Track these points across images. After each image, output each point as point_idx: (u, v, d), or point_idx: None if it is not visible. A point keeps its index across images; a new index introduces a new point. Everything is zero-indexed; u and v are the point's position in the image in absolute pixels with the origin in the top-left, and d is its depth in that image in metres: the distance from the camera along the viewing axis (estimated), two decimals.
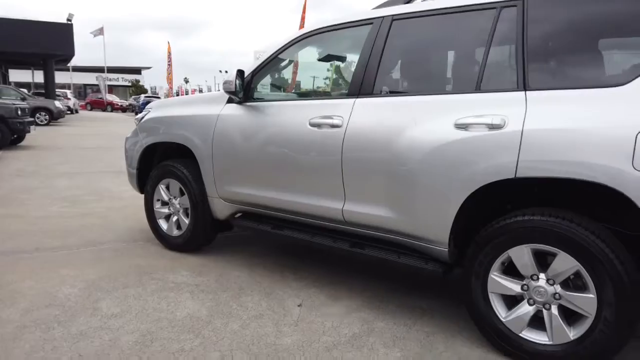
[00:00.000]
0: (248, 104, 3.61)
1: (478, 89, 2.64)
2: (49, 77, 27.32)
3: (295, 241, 3.48)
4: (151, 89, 66.19)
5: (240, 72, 3.49)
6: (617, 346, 2.27)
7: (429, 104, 2.77)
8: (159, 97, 38.07)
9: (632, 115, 2.14)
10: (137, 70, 69.49)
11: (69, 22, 25.23)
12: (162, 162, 4.22)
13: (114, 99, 45.12)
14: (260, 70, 3.63)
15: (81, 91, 57.86)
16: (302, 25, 13.27)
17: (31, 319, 2.80)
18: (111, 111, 42.34)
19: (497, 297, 2.58)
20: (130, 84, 66.32)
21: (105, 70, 48.41)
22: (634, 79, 2.19)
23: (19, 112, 11.33)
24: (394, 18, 3.06)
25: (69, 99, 33.09)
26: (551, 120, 2.33)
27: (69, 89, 43.94)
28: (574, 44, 2.48)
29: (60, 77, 45.66)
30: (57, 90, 32.76)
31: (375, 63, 3.04)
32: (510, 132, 2.41)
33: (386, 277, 3.66)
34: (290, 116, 3.33)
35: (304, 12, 13.59)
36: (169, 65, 35.34)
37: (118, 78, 64.79)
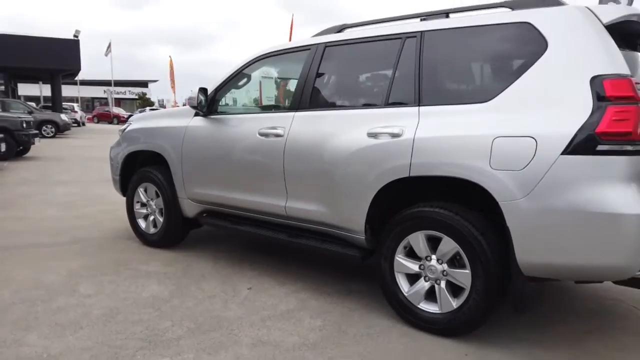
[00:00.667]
0: (212, 116, 4.17)
1: (386, 104, 3.19)
2: (55, 91, 28.22)
3: (253, 236, 4.02)
4: (158, 101, 67.34)
5: (202, 90, 4.07)
6: (486, 310, 2.79)
7: (349, 117, 3.33)
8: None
9: (490, 125, 2.68)
10: (144, 84, 70.60)
11: (76, 39, 26.15)
12: (142, 168, 4.79)
13: (120, 111, 46.04)
14: (222, 87, 4.20)
15: (89, 104, 58.90)
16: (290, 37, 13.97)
17: (19, 297, 3.36)
18: (117, 124, 43.17)
19: (401, 276, 3.11)
20: (137, 97, 67.38)
21: (113, 84, 49.43)
22: (493, 98, 2.74)
23: (24, 125, 12.01)
24: (327, 45, 3.63)
25: (76, 111, 34.02)
26: (435, 129, 2.88)
27: (77, 102, 45.04)
28: (454, 68, 3.05)
29: (69, 90, 46.83)
30: (64, 103, 33.70)
31: (311, 82, 3.61)
32: (405, 140, 2.96)
33: (331, 265, 4.19)
34: (244, 127, 3.89)
35: (291, 29, 14.29)
36: (171, 79, 36.24)
37: (125, 91, 65.90)
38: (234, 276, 3.94)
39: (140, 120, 4.95)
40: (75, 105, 35.26)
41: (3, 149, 10.82)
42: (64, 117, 22.95)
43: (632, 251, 2.40)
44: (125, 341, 2.77)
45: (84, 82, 53.09)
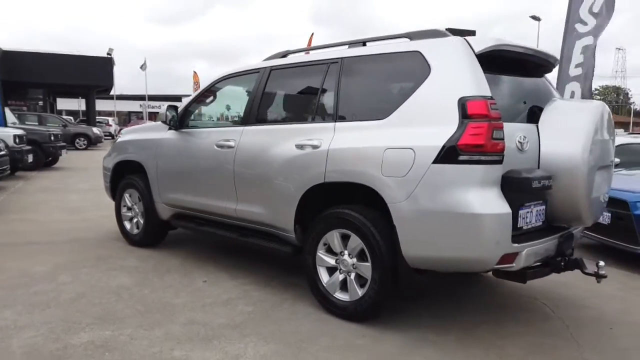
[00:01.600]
0: (182, 130, 4.75)
1: (313, 120, 3.69)
2: (90, 106, 29.82)
3: (213, 236, 4.54)
4: None
5: (171, 107, 4.65)
6: (383, 298, 3.21)
7: (284, 130, 3.83)
8: None
9: (384, 138, 3.14)
10: (177, 98, 72.86)
11: (109, 56, 27.66)
12: (128, 176, 5.40)
13: None
14: (191, 104, 4.78)
15: (126, 118, 61.14)
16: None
17: (5, 283, 3.98)
18: None
19: (322, 269, 3.56)
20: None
21: (147, 98, 51.43)
22: (389, 115, 3.19)
23: (52, 138, 12.99)
24: (272, 68, 4.15)
25: (110, 125, 35.65)
26: (344, 142, 3.36)
27: (114, 116, 47.08)
28: (362, 90, 3.53)
29: (107, 104, 49.06)
30: (101, 117, 35.44)
31: (258, 100, 4.14)
32: (322, 151, 3.44)
33: (282, 262, 4.66)
34: (206, 140, 4.45)
35: (309, 45, 14.87)
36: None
37: (160, 105, 68.17)
38: (195, 271, 4.47)
39: (128, 133, 5.59)
40: (110, 119, 36.90)
41: (31, 160, 11.76)
42: (95, 130, 24.28)
43: (489, 245, 2.81)
44: (80, 318, 3.32)
45: (121, 97, 55.34)
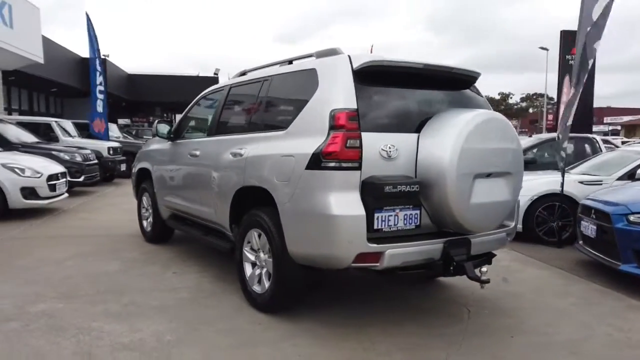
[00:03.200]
0: (177, 141, 5.49)
1: (245, 131, 4.17)
2: None
3: (187, 234, 5.18)
4: None
5: (161, 121, 5.41)
6: (281, 292, 3.57)
7: (228, 140, 4.35)
8: None
9: (281, 147, 3.52)
10: None
11: (216, 76, 30.30)
12: (144, 180, 6.28)
13: None
14: (183, 119, 5.51)
15: None
16: None
17: (19, 265, 4.98)
18: None
19: (247, 264, 4.00)
20: None
21: None
22: (287, 127, 3.57)
23: (111, 152, 13.39)
24: (231, 86, 4.71)
25: None
26: (256, 151, 3.79)
27: None
28: (275, 104, 3.92)
29: None
30: None
31: (218, 114, 4.73)
32: (243, 158, 3.92)
33: None
34: (184, 149, 5.13)
35: None
36: None
37: None
38: (175, 264, 5.13)
39: (148, 144, 6.51)
40: None
41: (124, 169, 13.52)
42: None
43: (342, 244, 3.06)
44: (51, 293, 4.13)
45: None
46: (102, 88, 12.09)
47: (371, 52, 15.93)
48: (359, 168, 3.11)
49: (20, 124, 12.15)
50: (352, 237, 3.06)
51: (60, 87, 20.96)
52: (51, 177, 8.04)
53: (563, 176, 6.40)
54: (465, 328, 3.58)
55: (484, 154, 3.30)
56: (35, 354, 3.01)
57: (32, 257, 5.34)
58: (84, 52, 18.74)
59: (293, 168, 3.33)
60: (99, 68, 12.11)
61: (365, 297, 4.26)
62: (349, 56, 3.40)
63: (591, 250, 5.10)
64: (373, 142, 3.18)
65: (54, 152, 10.24)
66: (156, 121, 5.39)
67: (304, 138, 3.36)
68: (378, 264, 3.14)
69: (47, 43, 17.35)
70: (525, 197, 6.56)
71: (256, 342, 3.29)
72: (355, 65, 3.33)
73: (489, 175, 3.38)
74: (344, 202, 3.09)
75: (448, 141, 3.19)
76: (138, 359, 2.99)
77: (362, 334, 3.41)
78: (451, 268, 3.38)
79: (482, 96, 4.01)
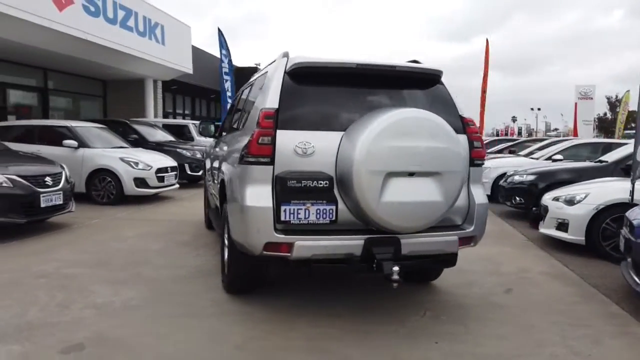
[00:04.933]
0: (219, 138, 6.19)
1: (234, 130, 4.62)
2: None
3: None
4: None
5: (203, 121, 6.14)
6: (233, 274, 3.95)
7: (225, 138, 4.85)
8: None
9: (237, 143, 3.87)
10: None
11: None
12: None
13: None
14: (226, 117, 6.18)
15: None
16: (486, 62, 13.96)
17: (92, 239, 6.14)
18: None
19: (225, 249, 4.45)
20: None
21: None
22: (243, 127, 3.94)
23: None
24: (243, 88, 5.21)
25: None
26: (229, 147, 4.24)
27: None
28: (249, 106, 4.25)
29: None
30: None
31: (232, 113, 5.27)
32: (223, 153, 4.38)
33: None
34: (218, 145, 5.77)
35: (486, 54, 14.18)
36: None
37: None
38: (207, 248, 5.81)
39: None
40: None
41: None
42: None
43: (252, 233, 3.34)
44: (92, 261, 5.09)
45: None
46: (230, 94, 13.63)
47: (486, 49, 14.99)
48: (271, 163, 3.34)
49: (166, 126, 14.32)
50: (260, 227, 3.31)
51: (217, 93, 23.85)
52: (160, 170, 9.47)
53: (633, 185, 5.54)
54: (397, 330, 3.53)
55: (400, 152, 3.24)
56: (29, 302, 3.87)
57: (109, 234, 6.52)
58: (244, 63, 21.06)
59: (234, 162, 3.70)
60: (225, 77, 13.68)
61: (329, 291, 4.38)
62: (286, 59, 3.63)
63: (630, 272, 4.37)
64: (289, 140, 3.37)
65: (178, 150, 11.93)
66: (199, 122, 6.15)
67: (246, 136, 3.69)
68: (289, 254, 3.33)
69: (209, 57, 19.94)
70: (589, 206, 5.84)
71: (199, 314, 3.72)
72: (288, 67, 3.55)
73: (411, 174, 3.30)
74: (256, 194, 3.35)
75: (359, 139, 3.23)
76: (95, 315, 3.66)
77: (300, 323, 3.61)
78: (374, 265, 3.38)
79: (449, 95, 3.85)
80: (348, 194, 3.31)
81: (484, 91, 14.19)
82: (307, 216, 3.34)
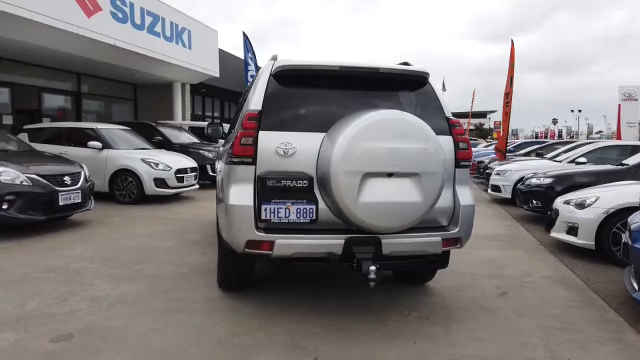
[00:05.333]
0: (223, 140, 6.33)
1: (232, 129, 4.75)
2: None
3: None
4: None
5: (211, 124, 6.28)
6: (223, 270, 4.07)
7: (225, 143, 4.99)
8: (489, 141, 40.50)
9: (228, 144, 4.02)
10: (482, 114, 73.06)
11: None
12: None
13: None
14: (231, 123, 6.33)
15: None
16: (511, 64, 13.61)
17: (104, 236, 6.39)
18: None
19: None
20: (474, 128, 70.22)
21: (470, 116, 54.35)
22: (236, 128, 4.05)
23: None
24: (246, 89, 5.33)
25: None
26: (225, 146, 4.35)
27: None
28: (243, 107, 4.36)
29: None
30: None
31: (236, 114, 5.40)
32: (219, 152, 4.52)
33: None
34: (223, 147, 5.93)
35: (512, 55, 13.80)
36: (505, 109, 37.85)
37: (464, 122, 69.91)
38: (212, 247, 5.97)
39: None
40: None
41: None
42: None
43: (234, 230, 3.44)
44: (101, 257, 5.32)
45: None
46: None
47: (512, 50, 14.66)
48: (253, 163, 3.44)
49: (192, 128, 14.67)
50: (241, 225, 3.41)
51: None
52: (179, 171, 9.75)
53: None
54: (378, 328, 3.56)
55: (377, 153, 3.27)
56: (33, 294, 4.10)
57: (124, 231, 6.78)
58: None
59: (224, 163, 3.81)
60: (251, 80, 13.98)
61: (321, 289, 4.44)
62: (273, 62, 3.73)
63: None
64: (271, 140, 3.46)
65: (201, 151, 12.21)
66: (206, 124, 6.31)
67: (234, 137, 3.81)
68: (271, 252, 3.41)
69: (237, 61, 20.27)
70: (599, 210, 5.69)
71: (190, 310, 3.85)
72: (273, 70, 3.65)
73: (390, 175, 3.33)
74: (239, 193, 3.46)
75: (337, 140, 3.29)
76: (90, 307, 3.84)
77: (285, 319, 3.70)
78: (354, 265, 3.43)
79: (435, 97, 3.86)
80: (328, 194, 3.37)
81: (507, 94, 13.87)
82: (287, 215, 3.41)
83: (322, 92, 3.74)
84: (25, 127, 10.45)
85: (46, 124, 10.85)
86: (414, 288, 4.49)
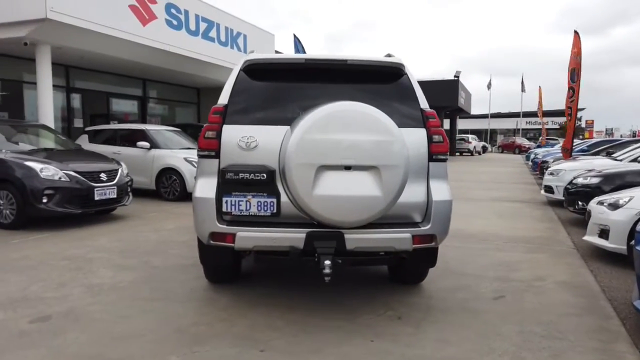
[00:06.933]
0: None
1: None
2: (452, 125, 32.92)
3: None
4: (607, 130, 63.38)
5: None
6: (204, 263, 4.16)
7: None
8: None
9: None
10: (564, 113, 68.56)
11: (456, 79, 30.04)
12: None
13: (523, 141, 47.36)
14: None
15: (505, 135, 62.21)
16: (573, 58, 12.57)
17: (145, 230, 6.76)
18: (518, 153, 44.66)
19: None
20: (558, 126, 66.16)
21: (521, 115, 51.60)
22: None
23: None
24: None
25: (470, 142, 38.09)
26: None
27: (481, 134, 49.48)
28: None
29: (479, 123, 52.11)
30: (461, 135, 38.42)
31: None
32: None
33: None
34: None
35: (576, 46, 12.69)
36: (539, 109, 35.87)
37: (548, 121, 66.05)
38: None
39: None
40: (470, 137, 39.35)
41: None
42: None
43: (198, 223, 3.53)
44: (118, 249, 5.65)
45: (497, 115, 57.40)
46: None
47: (574, 39, 13.56)
48: (217, 157, 3.50)
49: None
50: (204, 217, 3.48)
51: None
52: None
53: None
54: (342, 326, 3.48)
55: (332, 145, 3.19)
56: (38, 279, 4.44)
57: (153, 226, 7.14)
58: None
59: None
60: None
61: (304, 284, 4.40)
62: (247, 58, 3.76)
63: None
64: (234, 134, 3.50)
65: None
66: None
67: None
68: (234, 245, 3.45)
69: None
70: (632, 211, 5.18)
71: (170, 299, 3.99)
72: (242, 65, 3.69)
73: (348, 168, 3.24)
74: (202, 186, 3.53)
75: (294, 132, 3.26)
76: (81, 292, 4.10)
77: (254, 312, 3.74)
78: (315, 258, 3.38)
79: (411, 88, 3.71)
80: (289, 186, 3.35)
81: (571, 90, 12.88)
82: (248, 208, 3.44)
83: (290, 86, 3.73)
84: (86, 129, 11.32)
85: (103, 126, 11.64)
86: (403, 288, 4.33)
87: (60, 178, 6.66)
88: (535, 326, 3.53)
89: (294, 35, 14.55)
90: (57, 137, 8.46)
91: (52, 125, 9.90)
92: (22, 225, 6.63)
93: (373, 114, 3.27)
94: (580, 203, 7.61)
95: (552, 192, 9.89)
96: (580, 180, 7.77)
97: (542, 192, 10.40)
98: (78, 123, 13.44)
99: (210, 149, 3.53)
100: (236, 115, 3.57)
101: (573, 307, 3.98)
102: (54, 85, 10.57)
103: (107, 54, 11.45)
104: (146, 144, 10.00)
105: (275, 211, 3.43)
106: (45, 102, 10.20)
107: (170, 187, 9.82)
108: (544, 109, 37.13)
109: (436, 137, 3.60)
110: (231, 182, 3.40)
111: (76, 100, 13.64)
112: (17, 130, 8.18)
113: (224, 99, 3.62)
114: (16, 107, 11.98)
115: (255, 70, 3.67)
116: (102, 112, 14.50)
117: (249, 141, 3.49)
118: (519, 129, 55.51)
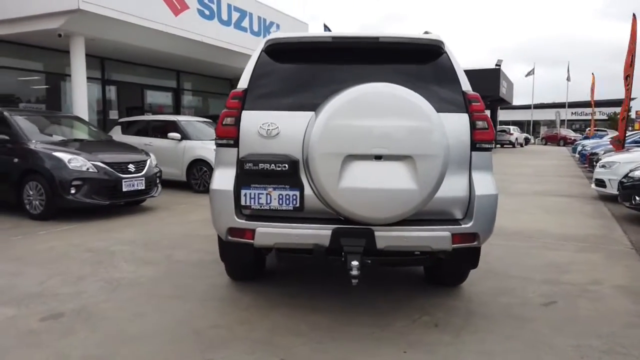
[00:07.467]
0: None
1: None
2: (494, 115, 31.84)
3: None
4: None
5: None
6: (225, 261, 3.90)
7: None
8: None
9: None
10: (617, 103, 65.51)
11: (498, 67, 28.88)
12: None
13: (568, 133, 45.43)
14: None
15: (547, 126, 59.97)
16: (632, 42, 11.66)
17: (172, 222, 6.60)
18: (563, 145, 42.84)
19: None
20: (607, 118, 63.36)
21: (567, 106, 49.51)
22: None
23: None
24: None
25: (511, 133, 36.76)
26: None
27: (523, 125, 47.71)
28: None
29: (521, 114, 50.44)
30: (502, 126, 37.16)
31: None
32: None
33: None
34: None
35: (634, 31, 11.72)
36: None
37: (596, 112, 63.30)
38: None
39: None
40: (512, 128, 37.93)
41: None
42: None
43: (216, 216, 3.26)
44: (142, 241, 5.48)
45: (540, 106, 55.30)
46: None
47: (633, 23, 12.61)
48: (235, 145, 3.21)
49: None
50: (222, 211, 3.20)
51: None
52: None
53: None
54: (373, 332, 3.14)
55: (361, 133, 2.84)
56: (57, 272, 4.29)
57: (181, 218, 6.98)
58: None
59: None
60: None
61: (330, 283, 4.07)
62: (267, 39, 3.44)
63: None
64: (254, 120, 3.20)
65: None
66: None
67: None
68: (253, 241, 3.16)
69: None
70: None
71: (188, 297, 3.75)
72: (264, 46, 3.38)
73: (378, 158, 2.89)
74: (220, 177, 3.25)
75: (318, 118, 2.93)
76: (99, 288, 3.91)
77: (276, 314, 3.46)
78: (342, 258, 3.05)
79: (452, 69, 3.31)
80: (312, 178, 3.03)
81: (627, 77, 12.00)
82: (268, 201, 3.13)
83: (316, 67, 3.39)
84: (119, 120, 11.31)
85: (135, 117, 11.61)
86: (441, 290, 3.95)
87: (88, 169, 6.56)
88: (593, 339, 3.10)
89: (324, 25, 14.22)
90: (88, 129, 8.40)
91: (86, 117, 9.92)
92: (52, 216, 6.58)
93: (408, 97, 2.89)
94: (637, 198, 6.99)
95: (604, 186, 9.19)
96: (637, 174, 7.13)
97: (593, 186, 9.71)
98: (113, 115, 13.50)
99: (229, 137, 3.24)
100: (257, 100, 3.27)
101: (635, 316, 3.51)
102: (89, 77, 10.59)
103: (140, 45, 11.40)
104: (177, 135, 9.88)
105: (298, 205, 3.12)
106: (79, 93, 10.23)
107: (200, 178, 9.67)
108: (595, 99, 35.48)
109: (480, 124, 3.19)
110: (250, 173, 3.10)
111: (112, 92, 13.72)
112: (50, 122, 8.16)
113: (243, 82, 3.32)
114: (53, 99, 12.13)
115: (277, 51, 3.35)
116: (137, 104, 14.55)
117: (270, 128, 3.18)
118: (563, 120, 53.28)
